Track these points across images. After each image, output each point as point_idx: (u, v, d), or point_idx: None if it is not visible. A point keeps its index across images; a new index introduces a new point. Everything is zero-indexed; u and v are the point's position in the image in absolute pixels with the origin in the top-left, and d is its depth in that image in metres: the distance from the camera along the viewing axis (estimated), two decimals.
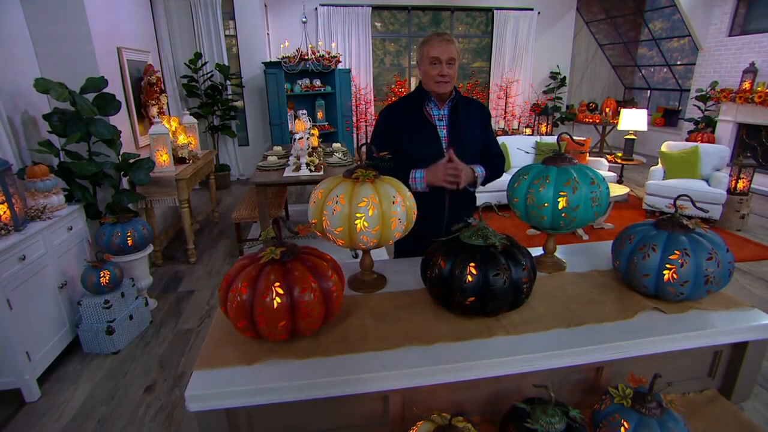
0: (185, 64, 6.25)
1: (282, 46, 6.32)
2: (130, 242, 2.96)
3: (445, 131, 1.88)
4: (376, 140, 1.92)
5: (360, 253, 1.56)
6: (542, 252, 1.75)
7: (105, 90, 3.11)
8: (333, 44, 7.21)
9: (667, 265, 1.39)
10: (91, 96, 3.05)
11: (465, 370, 1.19)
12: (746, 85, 6.50)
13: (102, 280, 2.68)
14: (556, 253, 1.77)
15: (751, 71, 6.51)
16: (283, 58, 6.14)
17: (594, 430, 1.26)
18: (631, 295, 1.51)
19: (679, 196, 1.50)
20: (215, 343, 1.27)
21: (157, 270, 3.91)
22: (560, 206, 1.47)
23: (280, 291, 1.13)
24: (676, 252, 1.38)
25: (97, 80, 3.02)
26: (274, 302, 1.12)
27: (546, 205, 1.48)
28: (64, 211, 2.72)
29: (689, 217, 1.47)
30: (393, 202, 1.33)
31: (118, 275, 2.78)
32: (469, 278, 1.25)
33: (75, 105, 2.88)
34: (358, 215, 1.29)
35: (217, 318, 1.38)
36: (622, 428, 1.17)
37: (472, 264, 1.26)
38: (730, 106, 6.87)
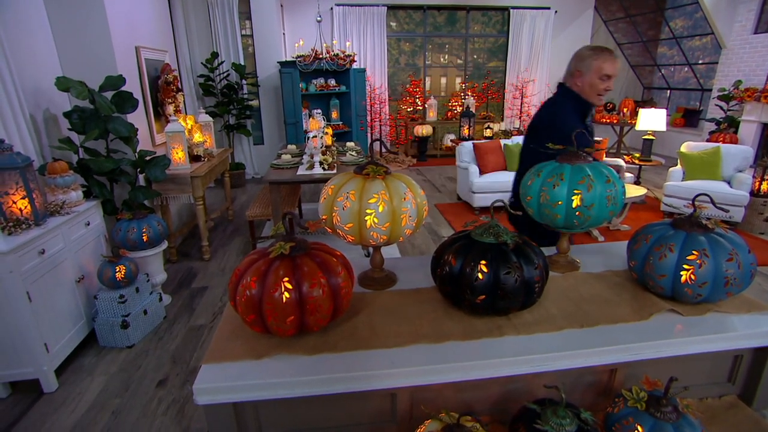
0: (202, 63, 6.33)
1: (297, 45, 6.37)
2: (145, 238, 3.00)
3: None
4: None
5: (371, 251, 1.55)
6: (556, 251, 1.72)
7: (123, 88, 3.17)
8: (348, 43, 7.22)
9: (685, 266, 1.35)
10: (109, 94, 3.11)
11: (474, 369, 1.17)
12: None
13: (118, 275, 2.72)
14: (569, 253, 1.73)
15: None
16: (298, 57, 6.17)
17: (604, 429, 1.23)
18: (647, 296, 1.47)
19: (697, 195, 1.46)
20: (225, 337, 1.27)
21: (172, 266, 3.96)
22: (574, 204, 1.44)
23: (289, 286, 1.13)
24: (694, 252, 1.34)
25: (116, 79, 3.07)
26: (283, 297, 1.12)
27: (560, 203, 1.45)
28: (82, 206, 2.77)
29: (708, 218, 1.43)
30: (404, 199, 1.32)
31: (134, 270, 2.82)
32: (480, 276, 1.23)
33: (94, 103, 2.94)
34: (368, 211, 1.28)
35: (227, 313, 1.39)
36: None
37: (483, 262, 1.24)
38: (755, 105, 6.69)
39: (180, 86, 4.53)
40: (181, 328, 3.02)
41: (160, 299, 3.12)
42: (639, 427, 1.14)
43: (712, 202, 1.47)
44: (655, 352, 1.28)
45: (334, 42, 7.05)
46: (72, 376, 2.53)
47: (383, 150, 6.00)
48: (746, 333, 1.33)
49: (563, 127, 1.89)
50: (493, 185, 5.09)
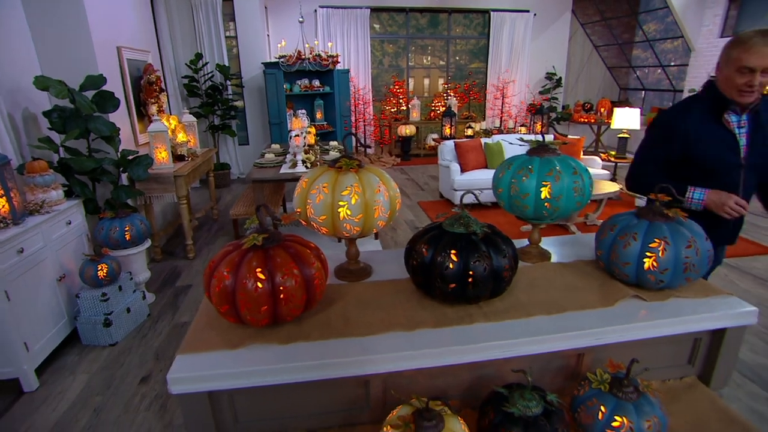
0: (186, 64, 6.25)
1: (279, 45, 6.33)
2: (127, 237, 2.96)
3: (744, 139, 1.68)
4: (655, 144, 1.79)
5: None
6: (527, 243, 1.74)
7: (104, 88, 3.12)
8: (330, 44, 7.20)
9: (647, 253, 1.38)
10: (90, 93, 3.06)
11: (445, 355, 1.18)
12: None
13: (100, 273, 2.68)
14: (541, 245, 1.76)
15: None
16: (281, 57, 6.14)
17: (573, 414, 1.25)
18: (613, 283, 1.50)
19: (660, 186, 1.50)
20: (200, 329, 1.26)
21: (156, 265, 3.91)
22: (543, 196, 1.47)
23: (262, 276, 1.13)
24: (656, 240, 1.38)
25: (96, 78, 3.02)
26: (256, 287, 1.12)
27: (528, 194, 1.48)
28: (63, 205, 2.72)
29: (670, 207, 1.47)
30: (376, 191, 1.33)
31: (116, 269, 2.78)
32: (450, 265, 1.24)
33: (74, 102, 2.88)
34: (341, 203, 1.29)
35: (203, 306, 1.38)
36: (600, 412, 1.17)
37: (453, 251, 1.25)
38: None
39: (163, 87, 4.47)
40: (165, 325, 2.98)
41: (144, 297, 3.08)
42: (602, 408, 1.17)
43: (672, 192, 1.51)
44: (619, 336, 1.31)
45: (316, 42, 7.02)
46: (53, 375, 2.48)
47: (357, 144, 6.06)
48: (704, 316, 1.36)
49: (654, 125, 1.80)
50: (474, 182, 5.13)
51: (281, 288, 1.14)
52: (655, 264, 1.37)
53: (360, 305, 1.37)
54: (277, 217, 1.23)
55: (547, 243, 1.86)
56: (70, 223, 2.77)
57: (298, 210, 1.38)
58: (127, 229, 2.94)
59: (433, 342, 1.20)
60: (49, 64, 3.15)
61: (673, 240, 1.37)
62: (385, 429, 1.09)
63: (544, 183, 1.46)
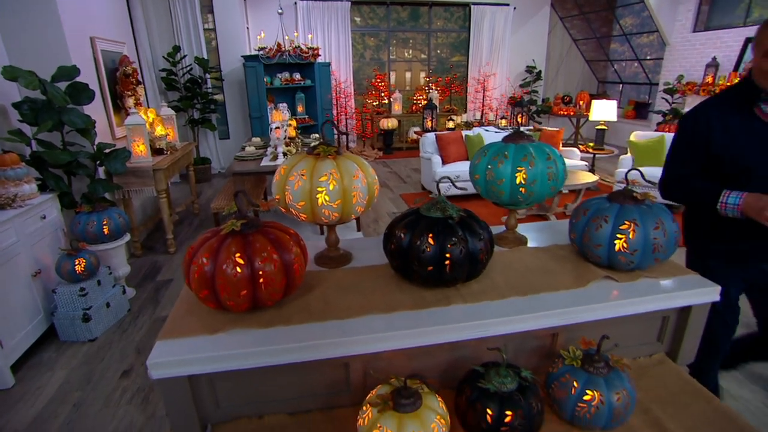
0: (164, 57, 6.13)
1: (259, 37, 6.25)
2: (106, 231, 2.91)
3: None
4: (681, 145, 1.66)
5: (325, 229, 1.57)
6: (504, 229, 1.78)
7: (78, 79, 3.04)
8: (310, 36, 7.14)
9: (618, 235, 1.43)
10: (62, 85, 2.98)
11: (423, 335, 1.21)
12: (709, 79, 6.68)
13: (77, 267, 2.63)
14: (518, 231, 1.80)
15: (713, 65, 6.69)
16: (261, 49, 6.07)
17: (547, 391, 1.30)
18: (586, 265, 1.55)
19: (630, 170, 1.55)
20: (180, 316, 1.26)
21: (136, 260, 3.85)
22: (518, 181, 1.50)
23: (240, 261, 1.13)
24: (626, 222, 1.42)
25: (69, 69, 2.95)
26: (235, 272, 1.12)
27: (503, 180, 1.51)
28: (37, 199, 2.66)
29: (640, 191, 1.52)
30: (354, 177, 1.34)
31: (94, 263, 2.73)
32: (427, 249, 1.27)
33: (46, 93, 2.81)
34: (319, 189, 1.30)
35: (183, 293, 1.38)
36: (572, 387, 1.21)
37: (430, 235, 1.27)
38: (695, 98, 7.05)
39: (140, 79, 4.38)
40: (146, 320, 2.95)
41: (124, 292, 3.04)
42: (575, 383, 1.21)
43: (642, 176, 1.56)
44: (591, 315, 1.35)
45: (295, 34, 6.95)
46: (30, 372, 2.44)
47: (339, 134, 6.09)
48: (672, 295, 1.42)
49: (680, 124, 1.67)
50: (456, 174, 5.17)
51: (260, 272, 1.15)
52: (625, 245, 1.42)
53: (340, 290, 1.38)
54: (255, 203, 1.24)
55: (523, 229, 1.90)
56: (44, 218, 2.71)
57: (277, 197, 1.39)
58: (105, 223, 2.90)
59: (411, 323, 1.22)
60: (18, 55, 3.06)
61: (642, 222, 1.41)
62: (364, 408, 1.12)
63: (518, 168, 1.49)
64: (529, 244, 1.75)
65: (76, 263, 2.63)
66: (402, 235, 1.31)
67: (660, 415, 1.30)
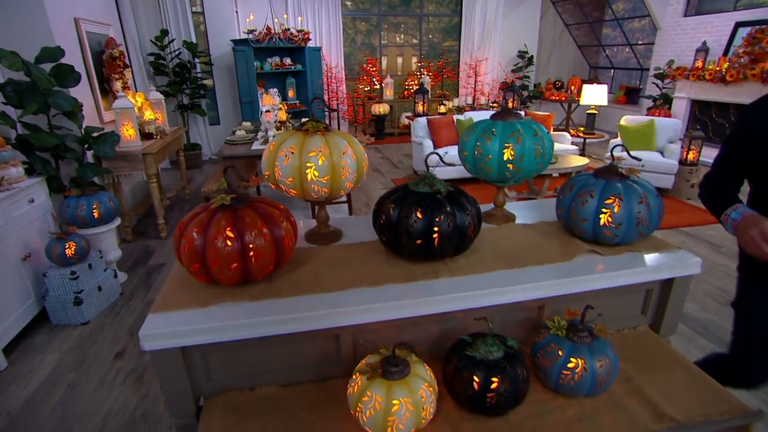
0: (151, 41, 6.03)
1: (248, 19, 6.16)
2: (96, 215, 2.90)
3: None
4: (727, 145, 1.46)
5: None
6: (493, 206, 1.80)
7: (62, 61, 2.99)
8: (299, 18, 7.05)
9: (603, 210, 1.45)
10: (47, 67, 2.93)
11: (411, 306, 1.23)
12: (699, 64, 6.70)
13: (67, 251, 2.62)
14: (507, 208, 1.82)
15: (704, 50, 6.71)
16: (250, 32, 5.99)
17: (533, 360, 1.33)
18: (572, 240, 1.58)
19: (615, 146, 1.57)
20: (172, 291, 1.27)
21: (128, 246, 3.84)
22: (505, 157, 1.52)
23: (231, 235, 1.14)
24: (611, 197, 1.45)
25: (53, 50, 2.90)
26: (225, 245, 1.13)
27: (491, 157, 1.52)
28: (25, 183, 2.63)
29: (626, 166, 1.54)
30: (343, 153, 1.35)
31: (85, 247, 2.72)
32: (415, 222, 1.28)
33: (30, 75, 2.76)
34: (308, 164, 1.31)
35: (174, 269, 1.39)
36: (557, 356, 1.24)
37: (419, 209, 1.29)
38: (685, 83, 7.09)
39: (128, 62, 4.31)
40: (138, 303, 2.96)
41: (116, 276, 3.03)
42: (559, 351, 1.24)
43: (628, 152, 1.59)
44: (576, 287, 1.38)
45: (285, 16, 6.85)
46: (22, 355, 2.44)
47: (329, 112, 6.06)
48: (655, 267, 1.45)
49: (735, 122, 1.45)
50: (447, 158, 5.18)
51: (251, 246, 1.16)
52: (610, 219, 1.45)
53: (330, 265, 1.40)
54: (246, 178, 1.24)
55: (512, 207, 1.92)
56: (32, 201, 2.68)
57: (267, 173, 1.39)
58: (94, 207, 2.88)
59: (400, 295, 1.24)
60: (1, 36, 2.99)
61: (626, 196, 1.44)
62: (354, 376, 1.14)
63: (506, 145, 1.51)
64: (518, 221, 1.78)
65: (66, 247, 2.62)
66: (391, 210, 1.33)
67: (641, 384, 1.35)
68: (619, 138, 5.70)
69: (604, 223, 1.46)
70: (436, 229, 1.28)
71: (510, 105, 6.99)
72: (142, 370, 2.31)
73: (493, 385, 1.12)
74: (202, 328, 1.12)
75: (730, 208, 1.42)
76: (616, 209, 1.44)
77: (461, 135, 1.67)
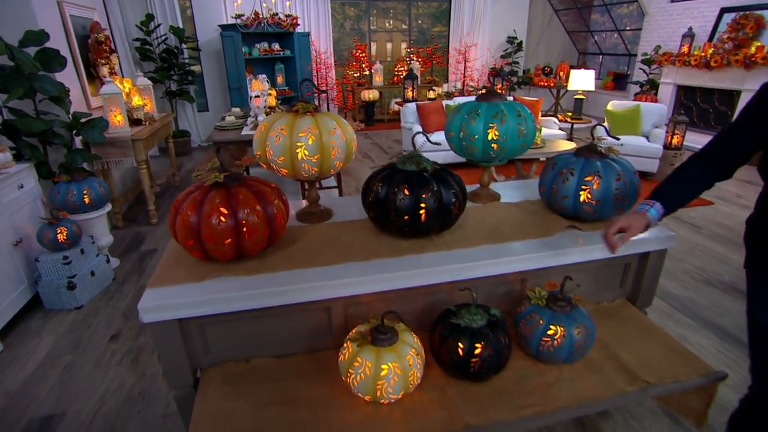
0: (137, 26, 5.93)
1: (235, 4, 6.09)
2: (86, 200, 2.90)
3: None
4: (740, 126, 1.17)
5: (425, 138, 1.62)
6: (479, 186, 1.86)
7: (47, 45, 2.96)
8: (287, 3, 6.97)
9: (583, 187, 1.52)
10: (31, 51, 2.90)
11: (399, 279, 1.29)
12: (684, 49, 6.77)
13: (59, 236, 2.63)
14: (492, 188, 1.88)
15: (689, 36, 6.77)
16: (238, 16, 5.92)
17: (515, 329, 1.40)
18: (554, 217, 1.64)
19: (595, 126, 1.62)
20: (167, 267, 1.32)
21: (119, 232, 3.84)
22: (490, 137, 1.57)
23: (225, 211, 1.18)
24: (590, 175, 1.51)
25: (37, 33, 2.86)
26: (219, 221, 1.18)
27: (476, 136, 1.57)
28: (13, 168, 2.62)
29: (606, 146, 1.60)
30: (332, 133, 1.39)
31: (76, 232, 2.73)
32: (403, 199, 1.33)
33: (14, 59, 2.73)
34: (298, 144, 1.34)
35: (170, 247, 1.43)
36: (538, 324, 1.32)
37: (406, 186, 1.34)
38: (671, 69, 7.16)
39: (113, 47, 4.26)
40: (131, 288, 2.98)
41: (108, 261, 3.05)
42: (540, 320, 1.32)
43: (607, 132, 1.65)
44: (557, 260, 1.45)
45: (273, 1, 6.77)
46: (17, 339, 2.46)
47: (317, 92, 6.06)
48: (632, 240, 1.52)
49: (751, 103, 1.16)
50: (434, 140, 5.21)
51: (244, 222, 1.20)
52: (589, 196, 1.51)
53: (321, 242, 1.45)
54: (238, 157, 1.28)
55: (497, 186, 1.98)
56: (22, 187, 2.68)
57: (258, 153, 1.43)
58: (85, 192, 2.88)
59: (388, 268, 1.30)
60: None
61: (605, 174, 1.51)
62: (345, 344, 1.20)
63: (490, 125, 1.56)
64: (503, 200, 1.84)
65: (58, 232, 2.62)
66: (379, 188, 1.38)
67: (617, 351, 1.43)
68: (605, 123, 5.78)
69: (584, 199, 1.53)
70: (422, 205, 1.34)
71: (499, 90, 7.03)
72: (137, 351, 2.35)
73: (477, 351, 1.18)
74: (198, 300, 1.17)
75: (650, 203, 1.27)
76: (595, 186, 1.50)
77: (448, 116, 1.71)
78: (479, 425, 1.13)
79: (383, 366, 1.11)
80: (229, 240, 1.20)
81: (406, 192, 1.33)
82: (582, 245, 1.48)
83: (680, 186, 1.27)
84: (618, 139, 1.64)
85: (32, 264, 2.68)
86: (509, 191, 1.94)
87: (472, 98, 5.47)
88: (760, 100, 1.12)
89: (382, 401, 1.15)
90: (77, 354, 2.35)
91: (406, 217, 1.34)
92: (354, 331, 1.22)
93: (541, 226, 1.58)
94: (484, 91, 1.72)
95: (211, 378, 1.28)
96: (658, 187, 1.30)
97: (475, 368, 1.21)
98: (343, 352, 1.19)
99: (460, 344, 1.20)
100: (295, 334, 1.34)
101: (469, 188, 1.87)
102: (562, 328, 1.29)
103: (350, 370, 1.14)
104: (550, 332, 1.29)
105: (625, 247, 1.52)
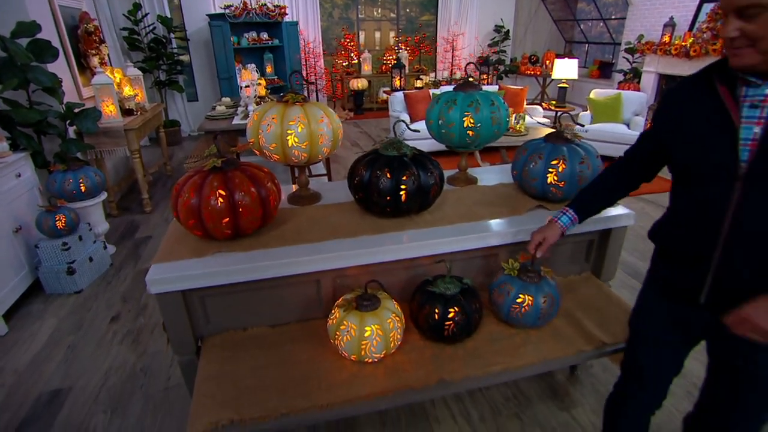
0: (124, 15, 5.92)
1: None
2: (83, 188, 2.99)
3: (758, 129, 0.94)
4: (648, 133, 1.20)
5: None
6: (457, 170, 1.99)
7: (39, 36, 3.01)
8: None
9: (550, 170, 1.66)
10: (23, 42, 2.95)
11: (382, 253, 1.43)
12: (666, 39, 6.93)
13: (58, 223, 2.72)
14: (470, 172, 2.02)
15: (670, 25, 6.93)
16: (227, 7, 5.94)
17: (489, 297, 1.55)
18: (524, 198, 1.79)
19: (561, 114, 1.76)
20: (170, 245, 1.44)
21: (113, 220, 3.92)
22: (465, 125, 1.70)
23: (222, 193, 1.31)
24: (557, 158, 1.66)
25: (29, 25, 2.91)
26: (218, 203, 1.30)
27: (453, 124, 1.71)
28: (10, 158, 2.70)
29: (573, 132, 1.74)
30: (320, 121, 1.51)
31: (74, 219, 2.82)
32: (385, 182, 1.47)
33: (7, 50, 2.79)
34: (289, 132, 1.46)
35: (171, 228, 1.55)
36: (509, 292, 1.46)
37: (387, 170, 1.47)
38: (653, 57, 7.32)
39: (102, 38, 4.29)
40: (128, 272, 3.09)
41: (105, 248, 3.15)
42: (510, 288, 1.46)
43: (573, 120, 1.79)
44: (525, 236, 1.59)
45: None
46: (20, 321, 2.57)
47: (307, 83, 6.16)
48: (594, 219, 1.66)
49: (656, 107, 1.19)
50: (424, 132, 5.33)
51: (240, 202, 1.32)
52: (555, 178, 1.66)
53: (310, 222, 1.58)
54: (233, 144, 1.40)
55: (478, 171, 2.12)
56: (19, 176, 2.76)
57: (251, 141, 1.55)
58: (81, 180, 2.97)
59: (372, 244, 1.44)
60: None
61: (570, 158, 1.65)
62: (333, 310, 1.34)
63: (466, 113, 1.69)
64: (480, 183, 1.98)
65: (57, 219, 2.71)
66: (363, 172, 1.51)
67: (580, 318, 1.59)
68: (588, 111, 5.93)
69: (551, 181, 1.67)
70: (402, 187, 1.47)
71: (485, 79, 7.13)
72: (137, 332, 2.47)
73: (450, 315, 1.33)
74: (200, 273, 1.29)
75: (565, 209, 1.37)
76: (560, 169, 1.65)
77: (428, 106, 1.84)
78: (452, 380, 1.28)
79: (366, 328, 1.25)
80: (227, 219, 1.32)
81: (388, 175, 1.46)
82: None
83: (596, 195, 1.35)
84: (583, 125, 1.78)
85: (32, 250, 2.78)
86: (486, 175, 2.08)
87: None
88: (661, 107, 1.13)
89: (366, 360, 1.30)
90: (80, 335, 2.46)
91: (388, 198, 1.47)
92: (341, 299, 1.36)
93: (512, 206, 1.73)
94: (471, 80, 1.84)
95: (212, 345, 1.41)
96: (576, 195, 1.40)
97: (449, 331, 1.35)
98: (332, 317, 1.33)
99: (436, 310, 1.34)
100: (288, 304, 1.48)
101: (450, 173, 2.02)
102: (530, 297, 1.43)
103: (337, 332, 1.29)
104: (519, 300, 1.44)
105: (587, 224, 1.68)
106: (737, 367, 1.08)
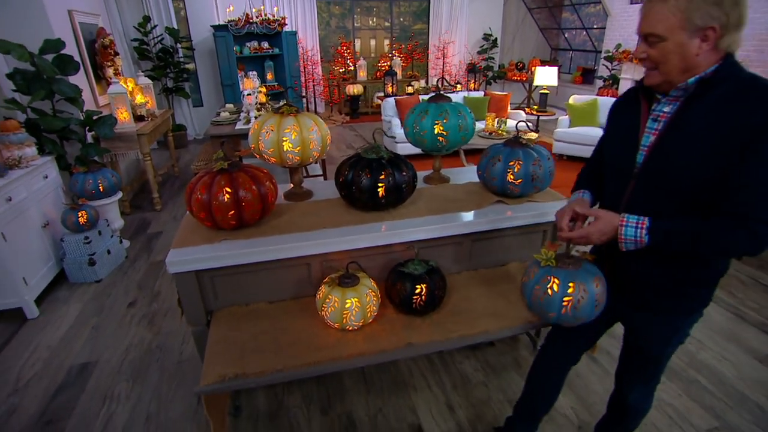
0: (134, 27, 6.13)
1: (228, 10, 6.32)
2: (101, 188, 3.20)
3: (653, 137, 1.11)
4: (599, 141, 1.38)
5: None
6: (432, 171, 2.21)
7: (63, 52, 3.22)
8: (275, 9, 7.20)
9: (508, 170, 1.88)
10: (49, 57, 3.16)
11: (362, 240, 1.65)
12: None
13: (81, 219, 2.94)
14: (443, 172, 2.24)
15: None
16: (230, 21, 6.16)
17: (528, 299, 1.39)
18: (486, 194, 2.01)
19: (519, 121, 1.98)
20: (185, 235, 1.66)
21: (127, 218, 4.13)
22: (436, 131, 1.92)
23: (229, 190, 1.53)
24: (513, 160, 1.88)
25: (55, 42, 3.13)
26: (225, 198, 1.52)
27: (426, 131, 1.93)
28: (39, 161, 2.91)
29: (526, 136, 1.96)
30: (310, 129, 1.73)
31: (95, 216, 3.04)
32: (365, 181, 1.68)
33: (35, 65, 3.00)
34: (284, 138, 1.68)
35: (185, 220, 1.77)
36: (553, 287, 1.29)
37: (368, 171, 1.69)
38: (629, 65, 7.55)
39: (116, 50, 4.50)
40: (142, 264, 3.31)
41: (121, 242, 3.36)
42: (556, 280, 1.29)
43: (527, 125, 2.01)
44: (486, 226, 1.82)
45: (262, 7, 7.00)
46: (50, 306, 2.79)
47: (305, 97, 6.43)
48: (546, 212, 1.89)
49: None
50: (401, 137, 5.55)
51: (243, 198, 1.54)
52: (512, 177, 1.88)
53: (303, 215, 1.80)
54: (237, 149, 1.62)
55: (452, 171, 2.34)
56: (46, 177, 2.97)
57: (252, 146, 1.77)
58: (100, 181, 3.18)
59: (354, 232, 1.66)
60: (3, 30, 3.19)
61: (525, 159, 1.87)
62: (321, 287, 1.56)
63: (436, 122, 1.91)
64: (451, 182, 2.20)
65: (80, 216, 2.93)
66: (347, 172, 1.73)
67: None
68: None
69: (509, 179, 1.89)
70: (380, 185, 1.69)
71: (472, 85, 7.35)
72: (152, 315, 2.69)
73: (417, 290, 1.55)
74: (210, 256, 1.51)
75: (580, 191, 1.40)
76: (516, 169, 1.87)
77: (405, 115, 2.06)
78: (417, 343, 1.50)
79: (347, 301, 1.47)
80: (232, 212, 1.54)
81: (368, 175, 1.68)
82: (509, 216, 1.85)
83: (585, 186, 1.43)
84: (537, 131, 2.00)
85: (58, 243, 2.99)
86: (458, 175, 2.31)
87: (448, 94, 5.77)
88: (609, 114, 1.31)
89: (347, 328, 1.52)
90: (102, 317, 2.68)
91: (368, 194, 1.69)
92: (327, 278, 1.58)
93: (476, 201, 1.95)
94: (459, 86, 2.05)
95: (220, 317, 1.63)
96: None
97: (417, 304, 1.57)
98: (319, 293, 1.55)
99: (406, 286, 1.56)
100: (283, 283, 1.70)
101: (426, 173, 2.24)
102: (582, 284, 1.24)
103: (324, 305, 1.51)
104: (569, 291, 1.25)
105: (539, 216, 1.90)
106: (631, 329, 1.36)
